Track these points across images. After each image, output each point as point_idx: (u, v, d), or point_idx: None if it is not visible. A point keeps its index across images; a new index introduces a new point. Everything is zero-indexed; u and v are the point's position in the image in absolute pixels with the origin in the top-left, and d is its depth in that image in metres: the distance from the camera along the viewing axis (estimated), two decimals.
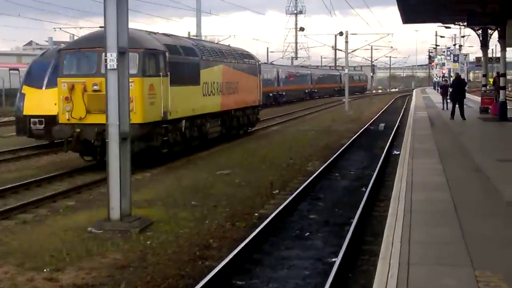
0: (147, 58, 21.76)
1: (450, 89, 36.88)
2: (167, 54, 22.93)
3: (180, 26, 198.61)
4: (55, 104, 27.27)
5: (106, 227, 13.46)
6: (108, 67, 13.46)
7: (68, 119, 21.44)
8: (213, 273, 10.29)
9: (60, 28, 49.32)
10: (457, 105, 32.79)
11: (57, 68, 24.20)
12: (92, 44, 21.52)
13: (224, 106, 29.41)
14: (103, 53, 14.11)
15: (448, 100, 39.21)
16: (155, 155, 22.66)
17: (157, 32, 25.35)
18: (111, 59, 13.39)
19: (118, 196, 13.53)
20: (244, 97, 32.73)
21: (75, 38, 51.17)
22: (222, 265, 10.74)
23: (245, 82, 32.94)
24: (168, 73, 22.72)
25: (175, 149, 23.99)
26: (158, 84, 22.03)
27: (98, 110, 20.05)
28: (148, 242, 12.68)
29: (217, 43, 33.00)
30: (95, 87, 20.76)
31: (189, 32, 64.54)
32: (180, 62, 24.32)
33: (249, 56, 35.89)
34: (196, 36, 39.65)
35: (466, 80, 52.15)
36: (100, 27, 21.22)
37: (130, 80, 18.29)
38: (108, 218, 13.64)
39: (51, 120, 28.01)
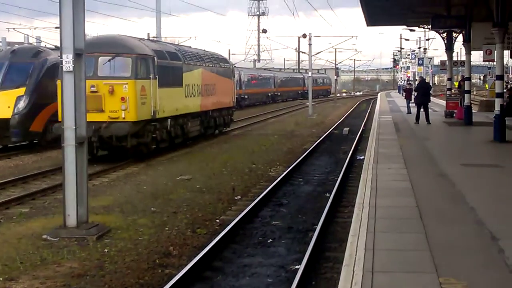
0: (139, 63, 24.24)
1: (415, 93, 36.93)
2: (155, 59, 25.38)
3: (139, 27, 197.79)
4: (9, 107, 26.92)
5: (62, 234, 13.12)
6: (64, 69, 13.10)
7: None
8: (173, 282, 10.10)
9: (14, 29, 48.73)
10: (422, 109, 32.80)
11: (11, 69, 25.14)
12: (88, 49, 20.97)
13: (203, 107, 31.84)
14: (99, 58, 19.11)
15: (412, 104, 39.26)
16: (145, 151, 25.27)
17: (146, 39, 29.01)
18: (67, 61, 13.03)
19: (74, 202, 13.20)
20: (220, 99, 35.14)
21: (29, 38, 50.71)
22: (183, 273, 10.54)
23: (221, 84, 35.34)
24: (157, 76, 25.24)
25: (161, 145, 26.79)
26: (148, 86, 24.52)
27: (94, 109, 22.48)
28: (106, 250, 12.42)
29: (195, 48, 34.99)
30: (93, 89, 22.73)
31: (148, 34, 64.22)
32: (166, 66, 26.74)
33: (224, 60, 39.10)
34: (156, 37, 39.31)
35: (430, 84, 52.43)
36: (56, 27, 21.46)
37: (124, 82, 23.08)
38: (64, 225, 13.32)
39: (3, 124, 27.69)
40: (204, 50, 36.33)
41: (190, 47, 35.68)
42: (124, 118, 23.38)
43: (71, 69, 13.08)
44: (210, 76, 33.37)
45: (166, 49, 28.46)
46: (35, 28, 53.27)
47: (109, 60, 23.92)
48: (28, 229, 13.94)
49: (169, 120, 26.77)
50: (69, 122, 13.21)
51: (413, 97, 42.31)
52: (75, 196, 13.21)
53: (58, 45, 14.04)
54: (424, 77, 41.07)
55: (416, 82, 45.40)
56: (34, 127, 28.74)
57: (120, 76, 23.88)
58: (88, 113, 19.71)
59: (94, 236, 13.11)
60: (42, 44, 49.44)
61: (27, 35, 55.10)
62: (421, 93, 33.71)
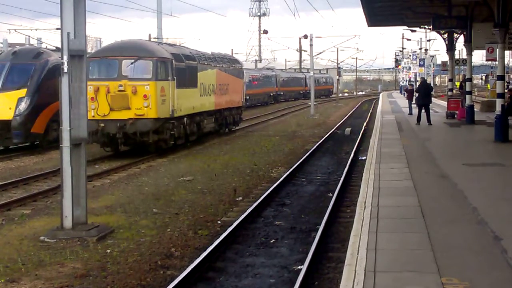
0: (159, 65, 26.31)
1: (416, 94, 36.88)
2: (173, 62, 27.44)
3: (140, 28, 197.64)
4: (10, 108, 26.99)
5: (59, 236, 13.13)
6: (65, 70, 13.06)
7: (93, 116, 24.70)
8: (175, 283, 10.08)
9: (15, 30, 48.70)
10: (423, 110, 32.73)
11: (12, 70, 25.71)
12: (113, 54, 26.40)
13: (217, 105, 34.19)
14: (123, 61, 22.98)
15: (414, 105, 39.21)
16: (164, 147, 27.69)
17: (164, 43, 32.15)
18: (68, 61, 13.00)
19: (70, 203, 13.16)
20: (232, 98, 37.48)
21: (30, 40, 50.85)
22: (185, 274, 10.50)
23: (233, 84, 37.57)
24: (175, 77, 27.33)
25: (178, 142, 28.75)
26: (167, 87, 26.69)
27: (122, 107, 25.23)
28: (108, 251, 12.42)
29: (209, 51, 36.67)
30: (120, 88, 25.34)
31: (149, 35, 64.09)
32: (183, 68, 28.72)
33: (235, 60, 41.42)
34: (157, 38, 39.34)
35: (432, 85, 52.34)
36: (57, 28, 21.58)
37: (145, 83, 25.25)
38: (62, 227, 13.30)
39: (4, 125, 27.72)
40: (218, 52, 37.99)
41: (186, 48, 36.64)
42: (147, 115, 25.50)
43: (66, 70, 13.05)
44: (223, 76, 35.40)
45: (183, 52, 30.12)
46: (36, 29, 53.18)
47: (132, 63, 25.95)
48: (29, 231, 13.94)
49: (185, 118, 29.08)
50: (67, 123, 13.19)
51: (414, 98, 42.26)
52: (71, 197, 13.18)
53: (60, 46, 14.01)
54: (425, 78, 40.97)
55: (417, 83, 45.29)
56: (35, 128, 28.74)
57: (143, 78, 25.78)
58: (113, 111, 25.13)
59: (94, 237, 13.08)
60: (43, 46, 49.49)
61: (28, 36, 55.02)
62: (422, 94, 33.63)
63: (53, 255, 12.08)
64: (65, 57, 13.02)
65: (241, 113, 41.11)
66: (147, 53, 26.47)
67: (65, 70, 13.05)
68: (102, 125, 25.13)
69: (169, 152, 27.56)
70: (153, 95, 25.47)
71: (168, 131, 27.17)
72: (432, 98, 38.90)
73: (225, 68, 36.15)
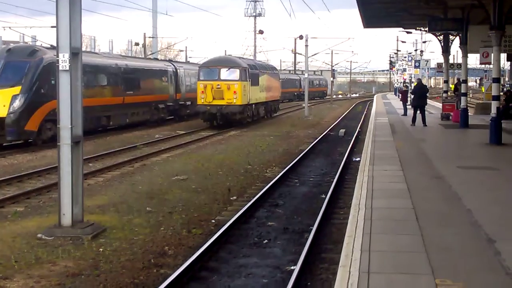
0: (242, 71, 42.69)
1: (411, 96, 36.87)
2: (249, 70, 44.07)
3: (135, 26, 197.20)
4: (4, 105, 27.06)
5: (57, 233, 13.09)
6: (61, 68, 13.04)
7: (203, 102, 41.47)
8: (168, 281, 10.08)
9: (9, 27, 48.65)
10: (418, 112, 32.74)
11: (7, 68, 28.89)
12: (214, 64, 43.08)
13: (267, 98, 51.28)
14: (221, 69, 40.77)
15: (409, 106, 39.23)
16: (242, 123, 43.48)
17: (244, 57, 53.90)
18: (64, 60, 12.99)
19: (69, 201, 13.16)
20: (274, 94, 54.47)
21: (25, 37, 51.05)
22: (178, 273, 10.51)
23: (274, 84, 54.45)
24: (250, 79, 43.73)
25: (248, 120, 45.13)
26: (246, 85, 43.01)
27: (219, 97, 41.29)
28: (101, 249, 12.40)
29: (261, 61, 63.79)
30: (218, 87, 41.51)
31: (144, 34, 64.00)
32: (252, 73, 45.14)
33: (275, 68, 61.57)
34: (152, 37, 39.60)
35: (428, 86, 52.31)
36: (52, 26, 21.65)
37: (235, 83, 41.43)
38: (59, 224, 13.27)
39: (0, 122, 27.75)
40: (266, 63, 59.34)
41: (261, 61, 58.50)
42: (235, 102, 41.59)
43: (67, 68, 13.03)
44: (269, 79, 51.83)
45: (252, 63, 48.63)
46: (31, 27, 53.12)
47: (226, 70, 42.20)
48: (23, 228, 13.90)
49: (253, 105, 46.09)
50: (65, 121, 13.16)
51: (409, 99, 42.25)
52: (70, 195, 13.16)
53: (54, 44, 13.98)
54: (421, 79, 40.95)
55: (413, 85, 45.31)
56: (29, 126, 28.71)
57: (232, 79, 41.95)
58: (214, 100, 40.88)
59: (89, 235, 13.07)
60: (38, 43, 49.40)
61: (23, 34, 55.01)
62: (418, 95, 33.63)
63: (50, 252, 12.05)
64: (67, 55, 12.98)
65: (278, 105, 58.09)
66: (235, 64, 43.21)
67: (67, 68, 13.01)
68: (208, 108, 41.21)
69: (151, 155, 27.93)
70: (238, 90, 41.74)
71: (245, 112, 43.65)
72: (428, 99, 38.89)
73: (270, 73, 52.99)
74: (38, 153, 27.71)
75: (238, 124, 42.68)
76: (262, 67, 51.40)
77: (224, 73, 42.11)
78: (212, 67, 42.63)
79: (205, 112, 41.51)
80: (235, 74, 42.17)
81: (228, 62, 43.50)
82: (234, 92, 41.51)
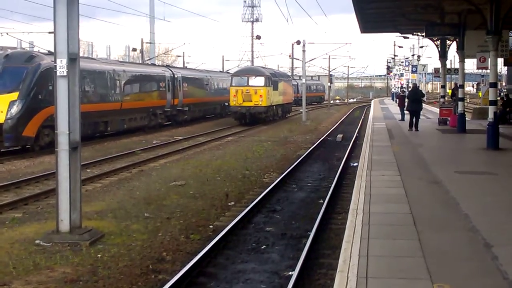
0: (266, 79, 51.95)
1: (406, 100, 36.89)
2: (271, 77, 53.72)
3: (133, 32, 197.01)
4: (1, 111, 27.07)
5: (55, 239, 13.08)
6: (58, 74, 13.04)
7: (235, 104, 50.73)
8: (167, 287, 10.06)
9: (7, 33, 48.62)
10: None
11: (4, 73, 29.05)
12: (244, 73, 52.83)
13: (283, 101, 60.25)
14: (249, 77, 51.37)
15: (406, 112, 39.23)
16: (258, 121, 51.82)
17: (267, 67, 65.08)
18: (61, 65, 12.99)
19: (67, 207, 13.15)
20: (288, 98, 63.49)
21: (22, 43, 51.26)
22: (176, 279, 10.50)
23: (288, 89, 63.88)
24: (272, 85, 53.35)
25: (270, 118, 54.36)
26: (270, 90, 52.67)
27: (248, 100, 50.17)
28: (99, 255, 12.40)
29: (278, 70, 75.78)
30: (247, 91, 50.56)
31: (142, 39, 63.99)
32: (273, 80, 54.72)
33: (288, 75, 73.79)
34: (150, 42, 39.50)
35: (424, 91, 52.32)
36: (50, 32, 21.65)
37: (261, 88, 51.18)
38: (57, 231, 13.25)
39: None
40: (282, 71, 73.13)
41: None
42: (261, 104, 50.89)
43: (65, 73, 13.03)
44: (285, 85, 61.49)
45: (272, 72, 58.19)
46: (28, 33, 53.08)
47: (254, 78, 51.46)
48: (21, 234, 13.90)
49: (274, 106, 55.51)
50: (63, 127, 13.16)
51: (405, 104, 42.21)
52: (68, 201, 13.16)
53: (52, 49, 13.97)
54: (417, 84, 40.96)
55: (409, 89, 45.38)
56: (27, 132, 28.69)
57: (259, 85, 51.17)
58: (244, 102, 50.46)
59: (87, 241, 13.06)
60: (36, 49, 49.39)
61: (21, 39, 54.98)
62: (411, 99, 33.74)
63: (48, 258, 12.05)
64: (65, 61, 12.99)
65: (291, 107, 67.36)
66: (261, 73, 52.95)
67: (64, 73, 13.01)
68: (239, 108, 50.50)
69: (149, 161, 27.80)
70: (264, 94, 51.00)
71: (269, 112, 53.40)
72: (424, 104, 38.88)
73: (285, 80, 62.87)
74: (36, 159, 27.70)
75: (263, 122, 52.39)
76: (280, 75, 61.80)
77: (252, 80, 51.29)
78: (242, 75, 52.40)
79: (237, 112, 51.05)
80: (261, 81, 51.42)
81: (255, 72, 53.59)
82: (260, 95, 50.85)
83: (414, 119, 32.60)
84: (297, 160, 26.91)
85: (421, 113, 34.07)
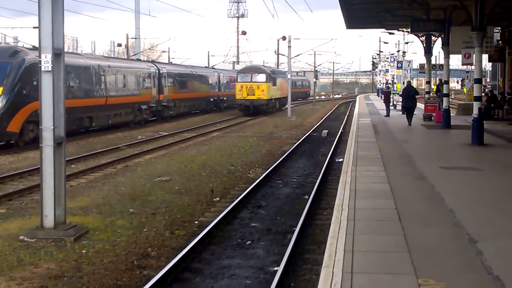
0: (267, 76, 60.29)
1: (400, 98, 37.14)
2: (271, 74, 62.05)
3: (118, 27, 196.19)
4: None
5: (39, 235, 13.02)
6: (43, 69, 12.97)
7: (240, 97, 58.90)
8: (152, 283, 10.06)
9: None
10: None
11: None
12: (247, 71, 61.25)
13: (280, 95, 67.19)
14: (252, 74, 60.32)
15: (392, 107, 39.45)
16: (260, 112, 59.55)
17: (267, 66, 76.47)
18: (46, 60, 12.92)
19: (52, 203, 13.09)
20: (284, 92, 66.94)
21: (7, 38, 51.09)
22: (161, 274, 10.49)
23: (284, 85, 66.99)
24: (271, 81, 61.14)
25: (270, 110, 62.64)
26: (270, 85, 60.71)
27: (252, 94, 58.51)
28: (84, 251, 12.36)
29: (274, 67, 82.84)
30: (251, 86, 58.62)
31: (127, 35, 63.83)
32: (273, 76, 62.21)
33: (284, 72, 71.54)
34: (135, 38, 39.29)
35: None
36: (34, 27, 21.57)
37: (262, 84, 60.16)
38: (42, 226, 13.19)
39: None
40: (279, 69, 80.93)
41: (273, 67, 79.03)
42: (263, 97, 58.72)
43: (50, 68, 12.97)
44: (282, 81, 67.21)
45: (271, 70, 66.78)
46: (12, 28, 52.93)
47: (256, 75, 59.12)
48: (4, 230, 13.82)
49: (273, 100, 63.53)
50: (47, 122, 13.10)
51: (392, 100, 42.35)
52: (53, 196, 13.10)
53: (36, 44, 13.90)
54: (410, 81, 40.94)
55: (395, 86, 45.46)
56: (11, 127, 28.55)
57: (261, 81, 59.10)
58: (248, 95, 59.06)
59: (71, 237, 13.01)
60: (20, 44, 49.12)
61: (5, 34, 54.75)
62: (405, 96, 34.03)
63: (32, 254, 12.00)
64: (49, 56, 12.91)
65: (286, 100, 65.13)
66: (262, 71, 61.29)
67: (49, 68, 12.95)
68: (244, 101, 58.37)
69: (133, 156, 27.80)
70: (265, 89, 58.94)
71: (269, 104, 61.52)
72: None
73: (282, 76, 68.24)
74: (20, 154, 27.57)
75: (265, 113, 60.16)
76: (278, 72, 69.18)
77: (255, 77, 59.48)
78: (247, 73, 60.58)
79: (242, 104, 59.50)
80: (263, 77, 59.69)
81: (257, 69, 62.17)
82: (262, 90, 59.02)
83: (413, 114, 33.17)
84: (283, 155, 26.91)
85: (415, 109, 34.47)
